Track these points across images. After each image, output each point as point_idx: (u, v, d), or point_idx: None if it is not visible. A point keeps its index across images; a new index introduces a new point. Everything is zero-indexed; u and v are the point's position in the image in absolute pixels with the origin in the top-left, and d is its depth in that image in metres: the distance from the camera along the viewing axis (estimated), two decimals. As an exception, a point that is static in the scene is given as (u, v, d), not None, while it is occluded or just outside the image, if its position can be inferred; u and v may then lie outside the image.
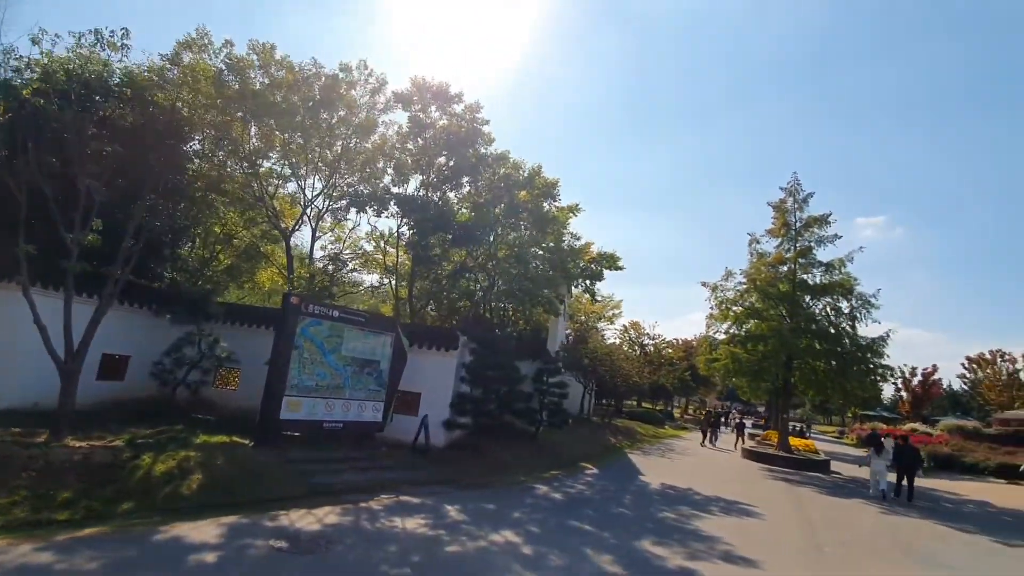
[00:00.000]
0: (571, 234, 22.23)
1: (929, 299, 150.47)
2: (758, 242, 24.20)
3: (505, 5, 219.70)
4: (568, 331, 30.00)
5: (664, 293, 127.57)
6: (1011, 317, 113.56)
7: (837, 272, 22.71)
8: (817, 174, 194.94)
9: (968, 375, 51.00)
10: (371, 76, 14.84)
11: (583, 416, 28.80)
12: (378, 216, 18.21)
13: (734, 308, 23.22)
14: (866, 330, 22.14)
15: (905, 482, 14.93)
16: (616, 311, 43.58)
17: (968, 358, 50.03)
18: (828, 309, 22.59)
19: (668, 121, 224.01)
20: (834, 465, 22.20)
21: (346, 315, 12.12)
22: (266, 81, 13.85)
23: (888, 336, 24.35)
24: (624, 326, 47.16)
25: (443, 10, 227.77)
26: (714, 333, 23.93)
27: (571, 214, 19.91)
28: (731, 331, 23.22)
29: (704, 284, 23.25)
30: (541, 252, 19.06)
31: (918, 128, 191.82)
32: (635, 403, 47.21)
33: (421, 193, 17.40)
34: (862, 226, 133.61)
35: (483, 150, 15.80)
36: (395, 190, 17.07)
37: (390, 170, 16.88)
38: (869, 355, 21.75)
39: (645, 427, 32.86)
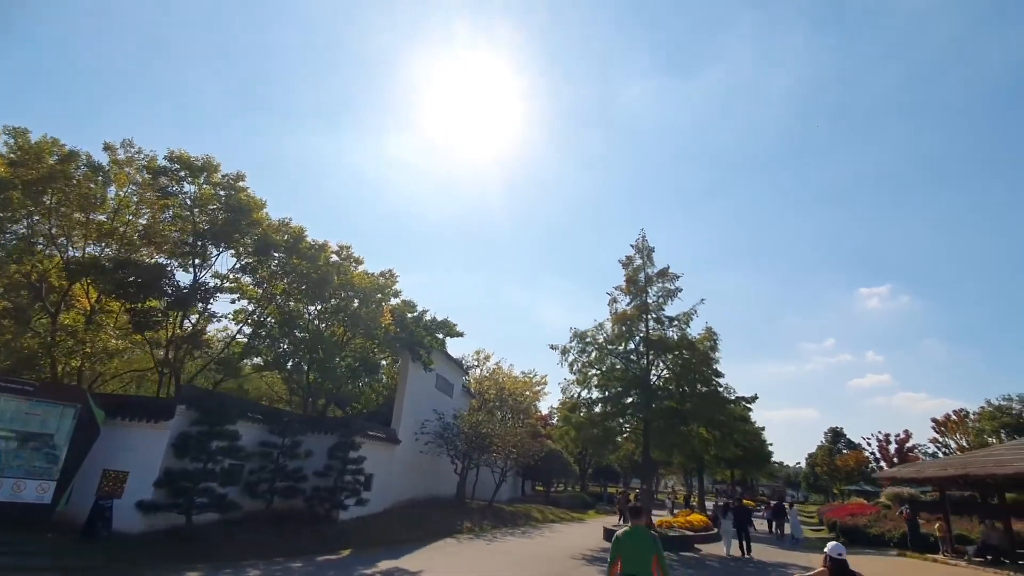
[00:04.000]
0: (405, 302, 21.73)
1: (937, 363, 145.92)
2: (616, 301, 23.54)
3: (490, 118, 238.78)
4: (454, 409, 28.45)
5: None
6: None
7: (683, 327, 21.88)
8: (816, 250, 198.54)
9: (939, 438, 47.39)
10: (139, 154, 15.23)
11: (493, 501, 26.45)
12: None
13: (592, 371, 22.00)
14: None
15: (744, 539, 18.09)
16: (542, 387, 41.97)
17: (934, 420, 46.73)
18: (676, 366, 21.39)
19: (661, 210, 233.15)
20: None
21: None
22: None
23: (751, 398, 23.18)
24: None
25: (443, 114, 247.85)
26: (567, 400, 22.43)
27: (385, 279, 19.57)
28: (582, 396, 21.78)
29: (553, 347, 22.21)
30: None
31: (882, 206, 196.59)
32: (568, 487, 43.91)
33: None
34: (866, 296, 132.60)
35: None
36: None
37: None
38: (715, 412, 20.25)
39: (550, 511, 30.08)
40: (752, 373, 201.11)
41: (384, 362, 23.92)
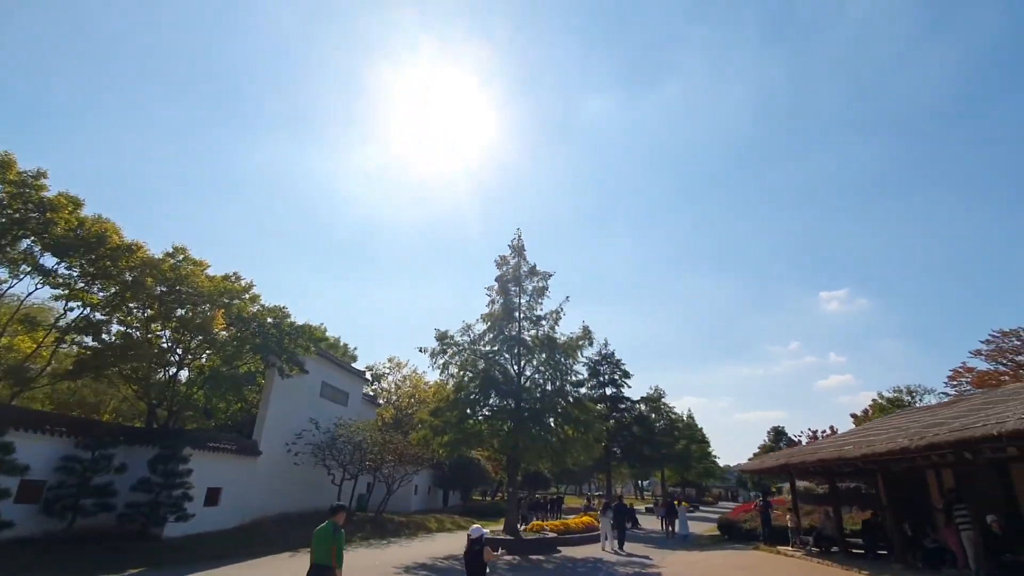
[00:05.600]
0: (274, 307, 20.94)
1: (894, 363, 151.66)
2: (494, 302, 23.15)
3: (459, 128, 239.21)
4: (351, 419, 27.43)
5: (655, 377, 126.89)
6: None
7: (553, 325, 21.67)
8: (776, 255, 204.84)
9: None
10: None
11: (382, 510, 25.25)
12: None
13: (461, 372, 21.45)
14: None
15: (619, 535, 19.19)
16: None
17: (852, 415, 47.81)
18: (546, 367, 21.11)
19: (627, 217, 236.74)
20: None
21: None
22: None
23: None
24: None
25: (416, 134, 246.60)
26: (438, 402, 21.84)
27: (231, 283, 18.70)
28: (451, 398, 21.21)
29: (422, 350, 21.60)
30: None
31: (845, 211, 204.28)
32: (487, 495, 43.22)
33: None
34: (826, 300, 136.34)
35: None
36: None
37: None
38: (578, 412, 19.99)
39: (453, 520, 29.28)
40: (723, 376, 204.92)
41: (252, 370, 22.84)
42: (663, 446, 33.28)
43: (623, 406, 32.70)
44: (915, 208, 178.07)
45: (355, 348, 40.17)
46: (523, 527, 22.19)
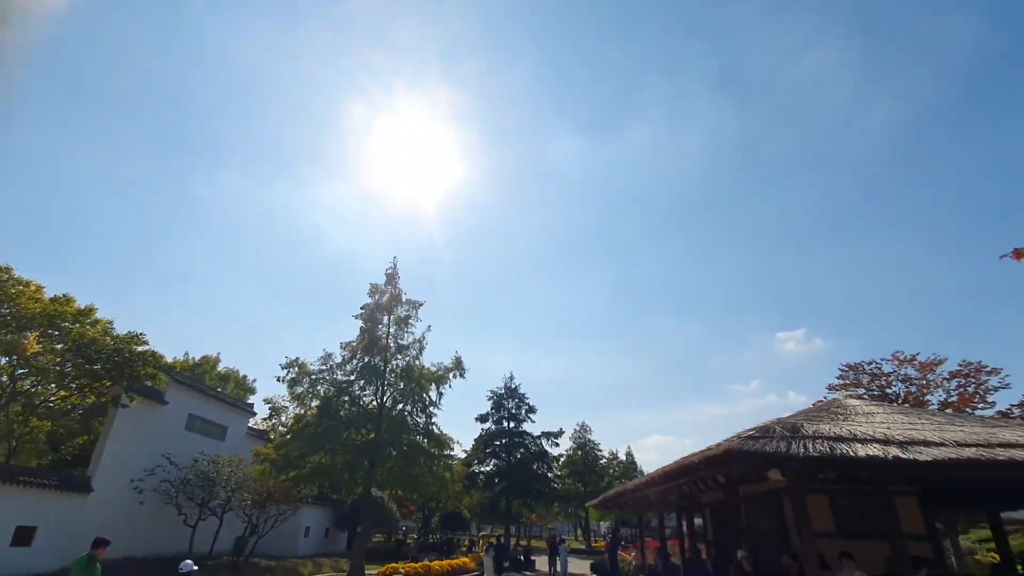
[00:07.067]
0: (129, 335, 19.97)
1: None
2: (364, 331, 22.67)
3: (429, 169, 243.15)
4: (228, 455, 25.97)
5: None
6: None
7: (416, 355, 21.33)
8: (736, 295, 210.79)
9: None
10: None
11: (249, 555, 23.43)
12: None
13: (314, 402, 20.70)
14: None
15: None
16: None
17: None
18: (403, 398, 20.59)
19: (593, 258, 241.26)
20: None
21: None
22: None
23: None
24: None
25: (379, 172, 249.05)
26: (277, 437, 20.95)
27: (58, 305, 17.84)
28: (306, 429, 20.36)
29: (279, 379, 20.82)
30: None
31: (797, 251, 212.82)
32: (391, 535, 41.22)
33: None
34: (783, 340, 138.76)
35: None
36: None
37: None
38: (429, 444, 19.46)
39: (333, 563, 27.67)
40: (689, 415, 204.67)
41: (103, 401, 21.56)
42: (558, 482, 32.52)
43: (523, 441, 32.09)
44: (865, 250, 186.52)
45: (254, 380, 38.70)
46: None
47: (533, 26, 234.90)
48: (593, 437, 46.96)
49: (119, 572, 19.44)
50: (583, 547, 44.94)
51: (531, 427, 36.34)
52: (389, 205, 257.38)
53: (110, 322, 20.62)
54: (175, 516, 22.74)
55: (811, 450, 7.36)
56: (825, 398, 24.51)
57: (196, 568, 6.14)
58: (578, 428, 46.94)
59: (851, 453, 7.33)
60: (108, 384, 20.11)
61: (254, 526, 24.09)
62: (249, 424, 31.53)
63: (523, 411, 33.30)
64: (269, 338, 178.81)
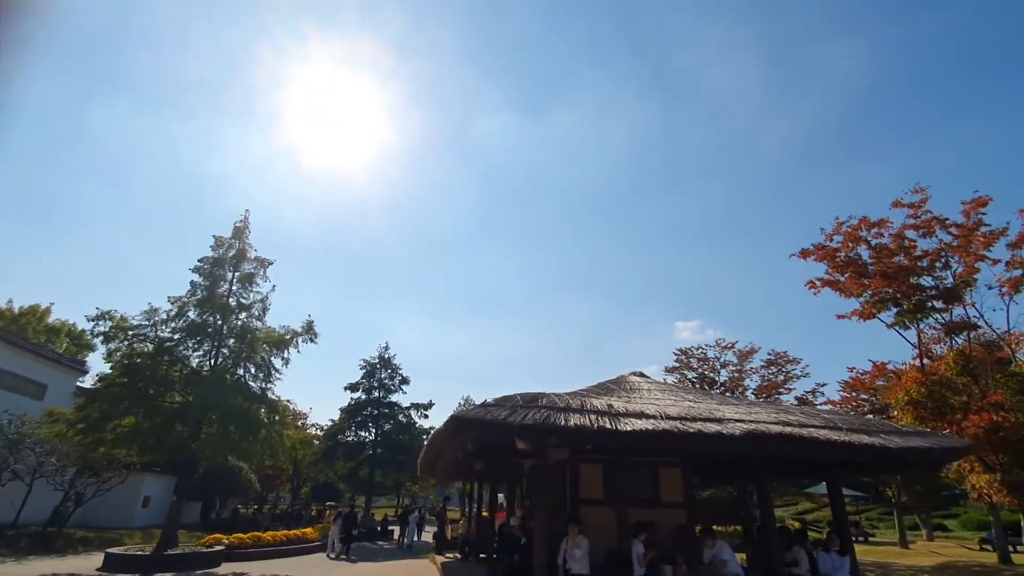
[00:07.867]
0: None
1: None
2: (196, 286, 20.66)
3: (350, 127, 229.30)
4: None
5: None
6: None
7: (259, 315, 19.98)
8: (642, 283, 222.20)
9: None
10: None
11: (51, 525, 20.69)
12: None
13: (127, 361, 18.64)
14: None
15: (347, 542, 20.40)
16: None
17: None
18: (237, 362, 19.24)
19: (510, 239, 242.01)
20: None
21: None
22: None
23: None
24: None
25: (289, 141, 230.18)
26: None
27: None
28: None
29: (90, 333, 18.56)
30: None
31: (698, 249, 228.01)
32: (249, 507, 39.63)
33: None
34: (680, 329, 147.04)
35: None
36: None
37: None
38: (266, 412, 18.44)
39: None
40: None
41: None
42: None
43: (392, 411, 31.66)
44: (765, 251, 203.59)
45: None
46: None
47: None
48: (479, 412, 47.56)
49: None
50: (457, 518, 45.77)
51: (403, 399, 36.09)
52: (305, 163, 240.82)
53: None
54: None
55: (542, 419, 7.47)
56: (665, 380, 26.69)
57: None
58: (462, 402, 47.21)
59: (580, 423, 7.56)
60: None
61: (79, 495, 21.80)
62: (79, 383, 28.20)
63: (396, 382, 32.71)
64: (154, 293, 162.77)
